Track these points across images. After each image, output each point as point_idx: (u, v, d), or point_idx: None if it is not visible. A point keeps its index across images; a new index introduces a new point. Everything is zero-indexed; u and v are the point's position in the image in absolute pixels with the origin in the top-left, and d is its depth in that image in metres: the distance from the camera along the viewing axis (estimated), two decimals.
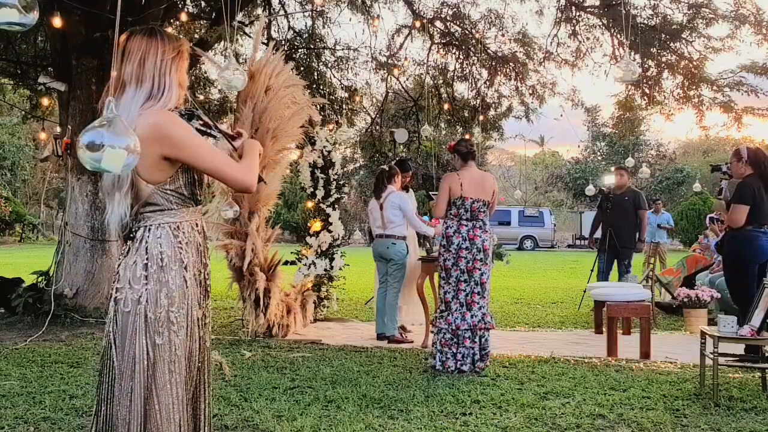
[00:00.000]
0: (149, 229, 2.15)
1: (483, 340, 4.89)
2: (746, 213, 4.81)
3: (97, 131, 1.77)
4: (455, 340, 4.88)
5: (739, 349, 4.68)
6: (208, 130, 2.34)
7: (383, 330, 6.18)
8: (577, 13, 9.29)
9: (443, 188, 5.04)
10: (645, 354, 5.40)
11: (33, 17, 2.59)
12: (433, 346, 5.05)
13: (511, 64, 10.06)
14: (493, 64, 10.09)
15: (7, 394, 4.12)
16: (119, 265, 2.17)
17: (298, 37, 10.12)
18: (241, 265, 5.95)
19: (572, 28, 9.35)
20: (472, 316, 4.88)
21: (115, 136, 1.77)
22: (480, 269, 4.91)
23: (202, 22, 8.49)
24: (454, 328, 4.88)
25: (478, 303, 4.90)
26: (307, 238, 7.38)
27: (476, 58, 10.19)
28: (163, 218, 2.15)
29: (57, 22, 5.96)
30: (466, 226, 4.95)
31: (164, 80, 2.16)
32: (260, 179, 2.51)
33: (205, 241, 2.30)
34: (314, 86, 8.80)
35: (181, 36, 2.34)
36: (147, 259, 2.12)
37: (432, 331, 5.17)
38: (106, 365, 2.16)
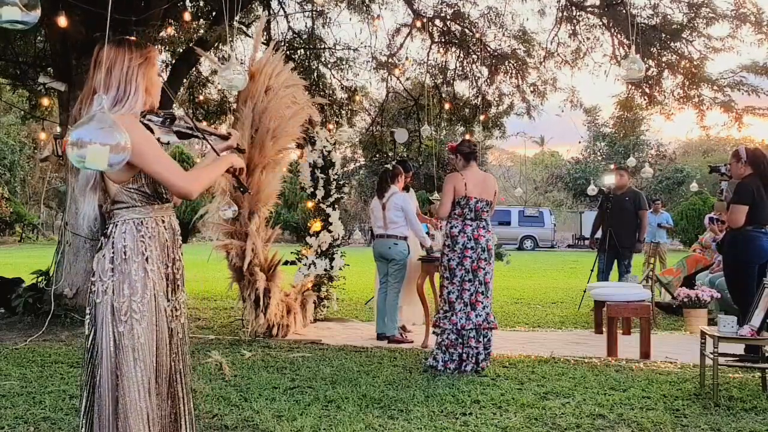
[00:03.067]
0: (117, 225, 2.31)
1: (486, 339, 4.90)
2: (745, 213, 4.81)
3: (84, 128, 1.79)
4: (460, 340, 4.88)
5: (739, 349, 4.68)
6: (193, 133, 2.46)
7: (383, 330, 6.18)
8: (578, 13, 9.27)
9: (448, 188, 5.01)
10: (645, 354, 5.40)
11: (35, 15, 2.59)
12: (435, 346, 5.03)
13: (511, 61, 10.04)
14: (494, 61, 10.07)
15: (7, 394, 4.12)
16: (94, 261, 2.33)
17: (297, 38, 10.11)
18: (241, 265, 5.95)
19: (572, 27, 9.34)
20: (476, 316, 4.89)
21: (101, 132, 1.80)
22: (484, 269, 4.92)
23: (202, 22, 8.48)
24: (458, 328, 4.88)
25: (482, 303, 4.91)
26: (307, 238, 7.38)
27: (476, 57, 10.18)
28: (129, 214, 2.31)
29: (62, 21, 5.96)
30: (471, 225, 4.96)
31: (130, 86, 2.30)
32: (243, 189, 2.62)
33: (174, 237, 2.42)
34: (313, 87, 8.80)
35: (148, 44, 2.45)
36: (113, 252, 2.28)
37: (434, 332, 5.16)
38: (87, 354, 2.30)
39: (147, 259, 2.30)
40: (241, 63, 7.37)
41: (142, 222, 2.31)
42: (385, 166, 6.76)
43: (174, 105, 6.95)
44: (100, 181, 2.30)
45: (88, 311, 2.32)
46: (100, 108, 1.96)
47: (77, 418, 2.35)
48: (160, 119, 2.39)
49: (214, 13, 8.29)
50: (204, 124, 2.80)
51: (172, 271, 2.40)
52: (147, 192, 2.33)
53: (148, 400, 2.25)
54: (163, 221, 2.38)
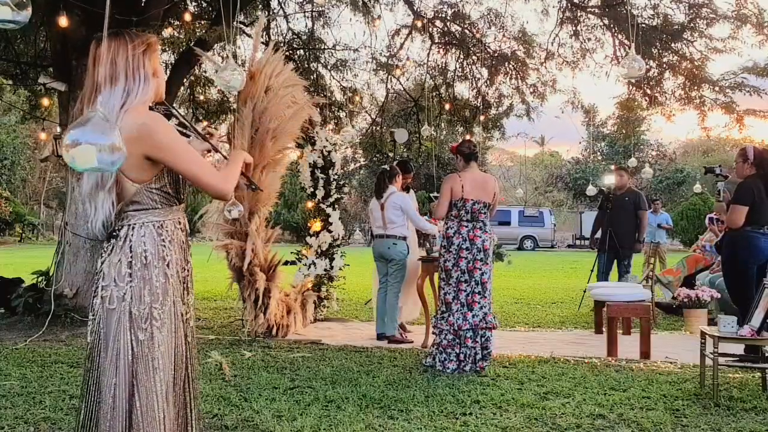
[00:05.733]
0: (133, 228, 2.19)
1: (484, 339, 4.90)
2: (744, 214, 4.80)
3: (76, 129, 1.77)
4: (457, 340, 4.89)
5: (739, 349, 4.68)
6: (184, 130, 2.39)
7: (383, 330, 6.18)
8: (579, 14, 9.28)
9: (445, 189, 5.05)
10: (645, 354, 5.40)
11: (26, 15, 2.57)
12: (433, 346, 5.05)
13: (511, 63, 10.05)
14: (493, 63, 10.07)
15: (7, 394, 4.12)
16: (103, 263, 2.22)
17: (297, 39, 10.12)
18: (241, 265, 5.95)
19: (573, 28, 9.34)
20: (473, 316, 4.89)
21: (91, 133, 1.77)
22: (480, 269, 4.92)
23: (202, 22, 8.48)
24: (455, 328, 4.88)
25: (479, 303, 4.91)
26: (307, 238, 7.38)
27: (476, 58, 10.18)
28: (147, 217, 2.20)
29: (63, 21, 5.99)
30: (467, 226, 4.97)
31: (138, 74, 2.20)
32: (255, 187, 2.56)
33: (187, 239, 2.34)
34: (313, 89, 8.80)
35: (149, 32, 2.36)
36: (131, 257, 2.17)
37: (433, 332, 5.17)
38: (91, 361, 2.20)
39: (168, 264, 2.20)
40: (242, 63, 7.37)
41: (162, 225, 2.21)
42: (383, 166, 6.76)
43: (174, 104, 6.95)
44: (116, 181, 2.18)
45: (92, 316, 2.20)
46: (94, 109, 1.90)
47: (75, 425, 2.27)
48: (161, 114, 2.33)
49: (214, 14, 8.29)
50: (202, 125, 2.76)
51: (187, 273, 2.32)
52: (169, 192, 2.23)
53: (166, 409, 2.18)
54: (180, 223, 2.29)
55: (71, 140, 1.74)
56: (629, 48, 7.41)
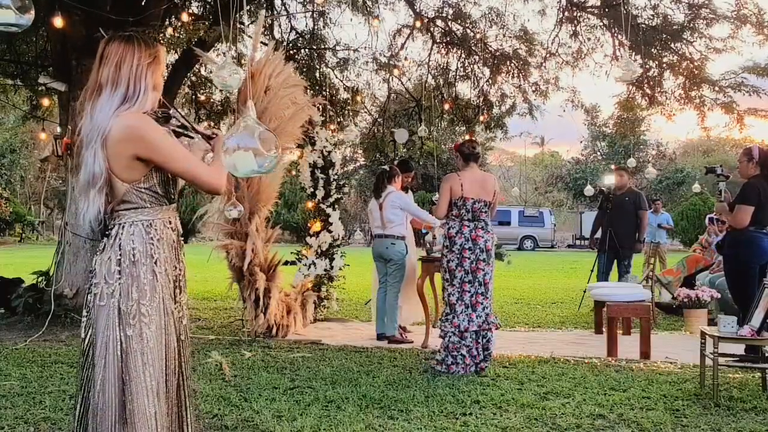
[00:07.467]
0: (123, 227, 2.25)
1: (485, 340, 4.89)
2: (751, 214, 4.80)
3: (234, 136, 1.80)
4: (462, 342, 4.87)
5: (739, 349, 4.68)
6: (185, 132, 2.42)
7: (383, 330, 6.18)
8: (578, 14, 9.27)
9: (444, 189, 5.03)
10: (645, 354, 5.40)
11: (29, 18, 2.57)
12: (443, 350, 4.98)
13: (513, 61, 10.04)
14: (495, 62, 10.06)
15: (7, 394, 4.12)
16: (95, 262, 2.27)
17: (300, 38, 10.11)
18: (241, 265, 5.95)
19: (573, 28, 9.33)
20: (477, 317, 4.88)
21: (248, 138, 1.79)
22: (483, 269, 4.91)
23: (205, 23, 8.47)
24: (461, 330, 4.87)
25: (482, 303, 4.90)
26: (307, 238, 7.38)
27: (478, 57, 10.17)
28: (137, 216, 2.26)
29: (58, 22, 5.99)
30: (468, 226, 4.95)
31: (139, 84, 2.25)
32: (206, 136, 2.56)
33: (179, 239, 2.39)
34: (317, 87, 8.80)
35: (156, 42, 2.40)
36: (120, 255, 2.22)
37: (440, 336, 5.11)
38: (84, 357, 2.25)
39: (156, 262, 2.25)
40: (242, 64, 7.36)
41: (151, 224, 2.26)
42: (382, 166, 6.77)
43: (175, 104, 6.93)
44: (107, 181, 2.24)
45: (85, 313, 2.26)
46: (247, 115, 1.93)
47: (72, 422, 2.31)
48: (155, 117, 2.35)
49: (215, 12, 8.27)
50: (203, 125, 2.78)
51: (178, 272, 2.37)
52: (158, 192, 2.28)
53: (157, 405, 2.21)
54: (170, 222, 2.34)
55: (231, 145, 1.77)
56: (629, 49, 7.43)
